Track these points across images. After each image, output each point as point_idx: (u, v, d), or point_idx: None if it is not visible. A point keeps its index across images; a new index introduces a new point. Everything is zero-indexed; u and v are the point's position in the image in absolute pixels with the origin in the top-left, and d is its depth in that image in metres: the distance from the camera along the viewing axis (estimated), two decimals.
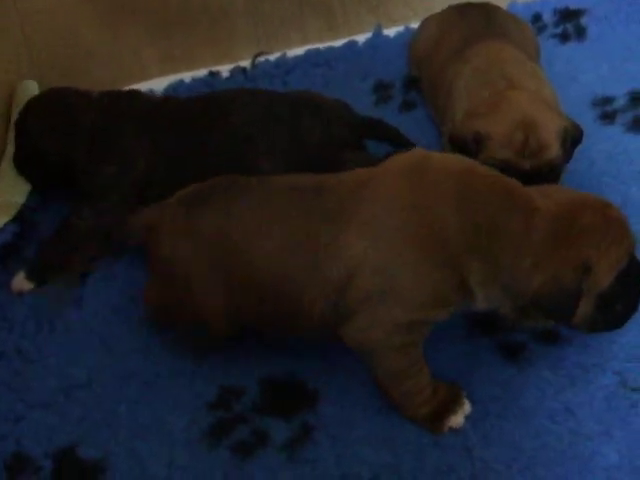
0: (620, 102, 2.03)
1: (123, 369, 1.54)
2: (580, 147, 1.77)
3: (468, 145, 1.55)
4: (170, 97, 1.93)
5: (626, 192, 1.75)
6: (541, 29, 2.34)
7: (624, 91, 2.07)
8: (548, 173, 1.55)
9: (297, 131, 1.73)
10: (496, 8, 2.05)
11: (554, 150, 1.55)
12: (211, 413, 1.44)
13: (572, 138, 1.59)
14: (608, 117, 1.99)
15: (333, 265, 1.30)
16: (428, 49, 2.02)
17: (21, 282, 1.70)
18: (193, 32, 2.22)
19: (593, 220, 1.26)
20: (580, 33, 2.31)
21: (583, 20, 2.35)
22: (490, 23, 1.92)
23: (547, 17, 2.38)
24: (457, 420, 1.35)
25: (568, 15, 2.37)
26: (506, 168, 1.48)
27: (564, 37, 2.31)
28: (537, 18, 2.37)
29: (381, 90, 2.16)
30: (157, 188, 1.72)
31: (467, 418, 1.36)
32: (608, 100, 2.04)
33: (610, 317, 1.30)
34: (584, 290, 1.24)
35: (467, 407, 1.36)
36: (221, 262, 1.39)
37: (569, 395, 1.38)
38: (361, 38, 2.34)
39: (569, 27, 2.33)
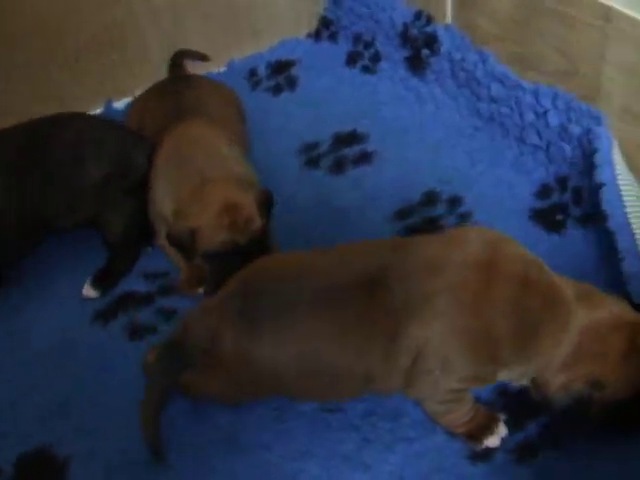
0: (324, 146, 2.30)
1: None
2: (287, 195, 2.03)
3: (184, 242, 1.75)
4: None
5: (332, 236, 1.96)
6: (257, 84, 2.59)
7: (328, 135, 2.33)
8: (260, 241, 1.77)
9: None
10: (192, 83, 2.17)
11: (257, 220, 1.78)
12: None
13: (266, 204, 1.82)
14: (313, 162, 2.24)
15: (400, 356, 1.41)
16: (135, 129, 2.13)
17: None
18: None
19: (619, 346, 1.33)
20: (291, 84, 2.57)
21: (294, 71, 2.62)
22: (182, 105, 2.03)
23: (261, 71, 2.62)
24: (493, 441, 1.50)
25: (280, 67, 2.63)
26: (224, 250, 1.74)
27: (277, 89, 2.57)
28: (253, 73, 2.62)
29: None
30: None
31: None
32: (313, 146, 2.30)
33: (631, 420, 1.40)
34: (596, 399, 1.35)
35: (503, 430, 1.51)
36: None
37: (277, 425, 1.62)
38: (94, 113, 2.48)
39: (280, 79, 2.59)
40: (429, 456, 1.53)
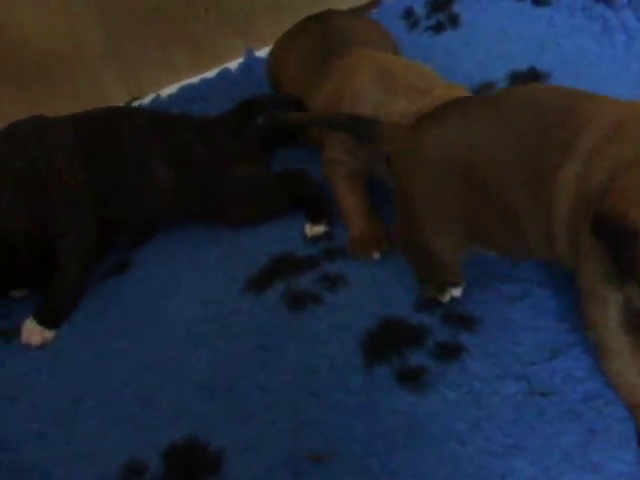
0: (501, 85, 1.98)
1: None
2: None
3: None
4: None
5: None
6: (415, 23, 2.33)
7: (503, 73, 2.02)
8: None
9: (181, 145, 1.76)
10: (336, 17, 2.00)
11: None
12: None
13: None
14: None
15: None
16: (279, 74, 2.00)
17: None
18: (54, 84, 2.13)
19: None
20: (454, 21, 2.28)
21: (455, 8, 2.31)
22: (333, 38, 1.87)
23: (419, 10, 2.36)
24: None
25: (439, 5, 2.34)
26: None
27: (438, 28, 2.28)
28: (409, 13, 2.36)
29: None
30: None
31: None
32: (489, 86, 1.99)
33: None
34: None
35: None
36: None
37: (475, 412, 1.30)
38: (234, 64, 2.30)
39: (442, 17, 2.30)
40: None
